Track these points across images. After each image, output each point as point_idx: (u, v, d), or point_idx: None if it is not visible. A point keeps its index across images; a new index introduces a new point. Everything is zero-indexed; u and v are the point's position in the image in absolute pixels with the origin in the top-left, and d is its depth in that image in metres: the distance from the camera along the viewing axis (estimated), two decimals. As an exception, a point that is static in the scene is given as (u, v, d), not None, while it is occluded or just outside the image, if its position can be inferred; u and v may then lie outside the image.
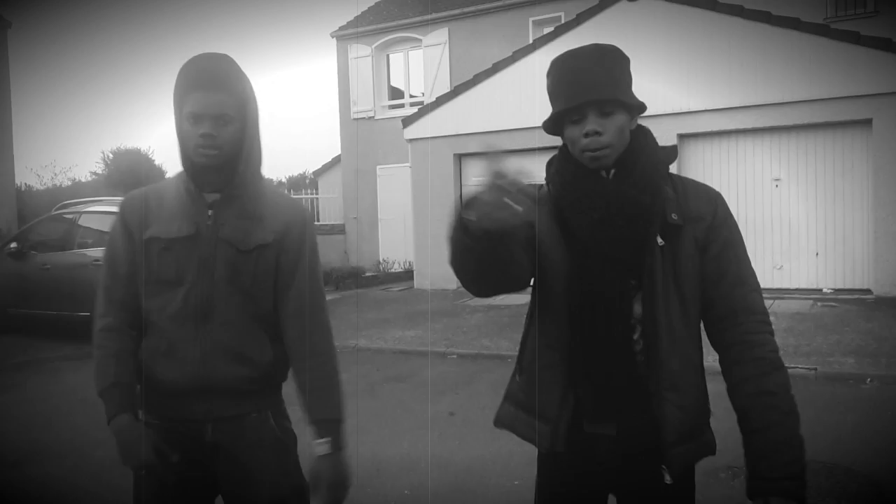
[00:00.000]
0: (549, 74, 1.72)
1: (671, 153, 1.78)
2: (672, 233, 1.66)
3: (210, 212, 1.89)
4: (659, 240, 1.65)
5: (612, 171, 1.69)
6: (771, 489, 1.57)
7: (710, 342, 1.76)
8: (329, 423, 1.90)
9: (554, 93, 1.70)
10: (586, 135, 1.64)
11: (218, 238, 1.88)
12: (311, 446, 1.89)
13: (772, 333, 1.70)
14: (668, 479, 1.67)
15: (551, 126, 1.74)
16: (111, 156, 23.71)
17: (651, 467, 1.68)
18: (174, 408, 1.88)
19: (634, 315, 1.66)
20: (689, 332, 1.71)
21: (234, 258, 1.88)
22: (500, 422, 1.91)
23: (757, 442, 1.64)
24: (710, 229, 1.68)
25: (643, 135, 1.75)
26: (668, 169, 1.76)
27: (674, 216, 1.67)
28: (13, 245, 9.49)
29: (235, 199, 1.91)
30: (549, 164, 1.82)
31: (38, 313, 9.15)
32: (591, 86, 1.63)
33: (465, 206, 1.46)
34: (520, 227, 1.46)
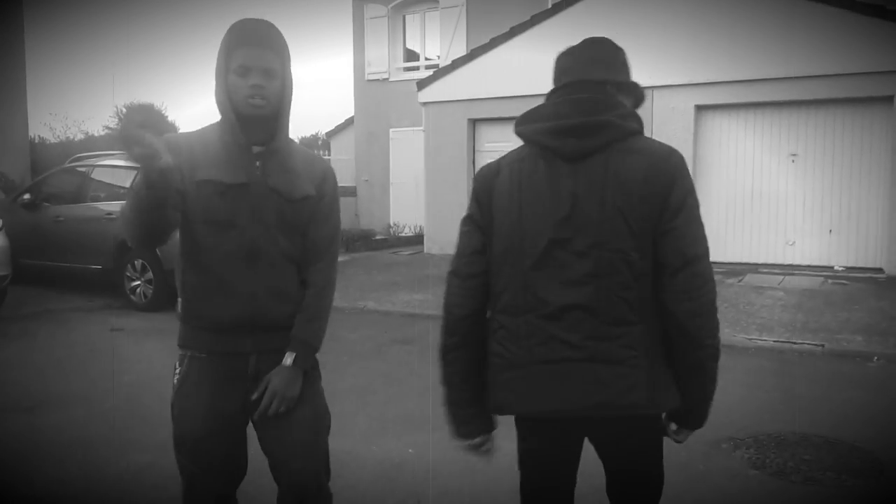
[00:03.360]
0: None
1: None
2: None
3: (258, 163, 2.06)
4: None
5: None
6: None
7: None
8: (304, 345, 2.13)
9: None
10: None
11: (268, 188, 2.05)
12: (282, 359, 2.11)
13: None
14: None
15: None
16: (124, 110, 23.67)
17: None
18: (222, 342, 2.07)
19: None
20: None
21: (283, 207, 2.06)
22: None
23: None
24: None
25: None
26: None
27: None
28: (26, 196, 9.54)
29: (277, 153, 2.08)
30: None
31: (50, 265, 9.24)
32: None
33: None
34: None
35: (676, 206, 1.75)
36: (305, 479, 2.16)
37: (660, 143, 1.84)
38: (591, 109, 1.81)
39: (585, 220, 1.77)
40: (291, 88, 2.08)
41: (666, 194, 1.75)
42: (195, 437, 2.08)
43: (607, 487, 2.08)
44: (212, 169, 2.01)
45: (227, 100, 2.01)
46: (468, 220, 1.95)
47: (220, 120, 2.07)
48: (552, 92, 1.95)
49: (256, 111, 1.99)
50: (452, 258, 1.95)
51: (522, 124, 1.91)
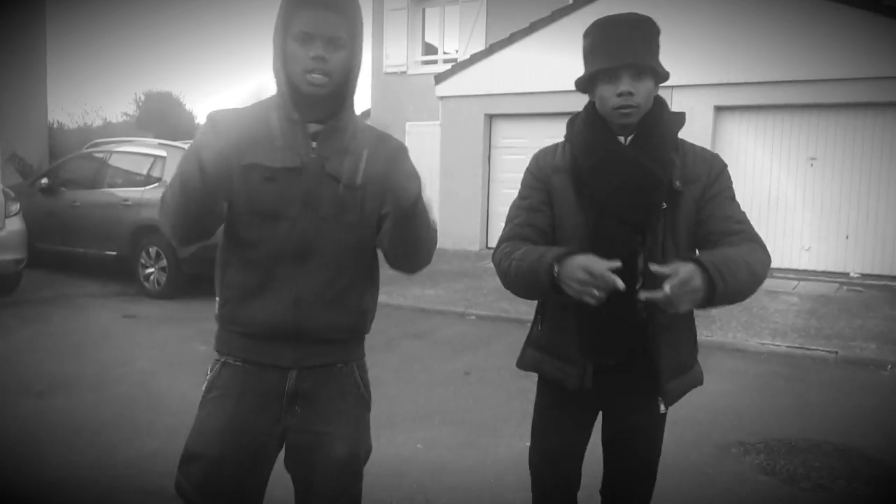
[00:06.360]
0: (587, 35, 1.91)
1: (680, 120, 1.97)
2: (674, 197, 1.88)
3: (314, 144, 1.75)
4: (663, 205, 1.87)
5: (631, 138, 1.89)
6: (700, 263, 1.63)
7: None
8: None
9: (592, 52, 1.88)
10: (620, 94, 1.83)
11: (324, 172, 1.73)
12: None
13: (759, 244, 1.84)
14: (662, 409, 1.96)
15: (584, 85, 1.94)
16: (143, 97, 23.84)
17: (645, 396, 1.96)
18: (259, 351, 1.77)
19: (639, 268, 1.87)
20: None
21: (342, 196, 1.75)
22: (525, 364, 2.12)
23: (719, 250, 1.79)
24: (705, 187, 1.92)
25: (660, 105, 1.94)
26: (677, 136, 1.96)
27: (677, 183, 1.88)
28: (44, 181, 9.59)
29: (337, 133, 1.78)
30: (571, 123, 2.01)
31: (65, 250, 9.29)
32: (630, 50, 1.82)
33: (560, 267, 1.71)
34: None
35: None
36: None
37: None
38: None
39: None
40: (360, 60, 1.76)
41: None
42: (207, 458, 1.75)
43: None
44: (259, 151, 1.71)
45: (282, 70, 1.72)
46: None
47: (275, 93, 1.77)
48: None
49: (315, 89, 1.69)
50: None
51: None
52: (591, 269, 1.63)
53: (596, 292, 1.62)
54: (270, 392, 1.78)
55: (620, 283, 1.61)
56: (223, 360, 1.81)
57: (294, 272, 1.74)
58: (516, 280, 1.86)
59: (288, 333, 1.75)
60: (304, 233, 1.73)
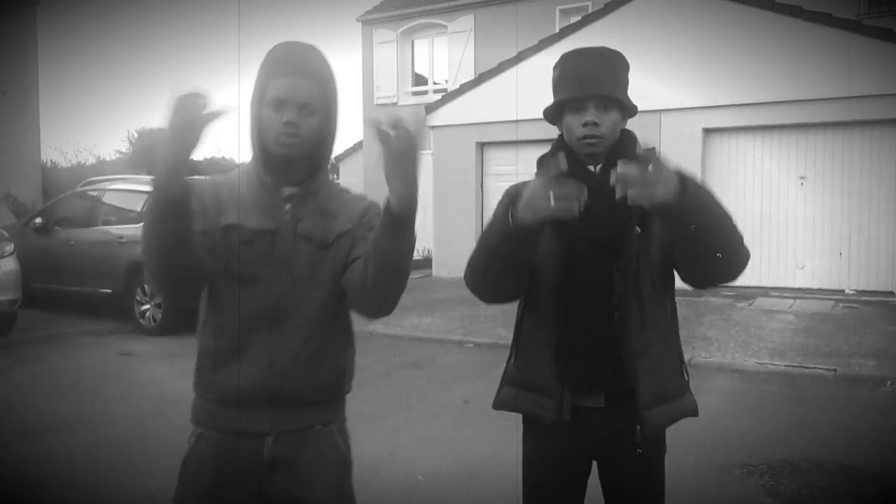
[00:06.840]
0: (556, 67, 1.96)
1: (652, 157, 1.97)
2: (647, 221, 1.82)
3: (287, 206, 1.77)
4: (637, 228, 1.83)
5: (600, 167, 1.88)
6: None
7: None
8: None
9: (560, 83, 1.93)
10: (585, 124, 1.85)
11: (297, 234, 1.75)
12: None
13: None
14: (639, 437, 1.84)
15: (552, 115, 1.97)
16: (136, 135, 23.93)
17: (631, 432, 1.85)
18: (233, 419, 1.74)
19: (616, 294, 1.84)
20: (660, 304, 1.90)
21: (314, 255, 1.76)
22: (501, 404, 2.04)
23: None
24: None
25: (629, 138, 1.94)
26: None
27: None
28: (38, 220, 9.60)
29: (312, 196, 1.80)
30: (542, 160, 1.98)
31: (61, 289, 9.27)
32: (597, 81, 1.86)
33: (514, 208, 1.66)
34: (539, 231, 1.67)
35: None
36: None
37: None
38: None
39: None
40: (336, 124, 1.79)
41: None
42: None
43: None
44: (237, 213, 1.75)
45: (257, 136, 1.75)
46: None
47: (251, 158, 1.81)
48: None
49: (286, 150, 1.71)
50: None
51: None
52: (536, 181, 1.61)
53: (552, 199, 1.58)
54: (248, 464, 1.74)
55: (564, 164, 1.57)
56: (199, 431, 1.79)
57: (268, 336, 1.73)
58: (478, 257, 1.85)
59: (262, 397, 1.73)
60: (279, 295, 1.74)
